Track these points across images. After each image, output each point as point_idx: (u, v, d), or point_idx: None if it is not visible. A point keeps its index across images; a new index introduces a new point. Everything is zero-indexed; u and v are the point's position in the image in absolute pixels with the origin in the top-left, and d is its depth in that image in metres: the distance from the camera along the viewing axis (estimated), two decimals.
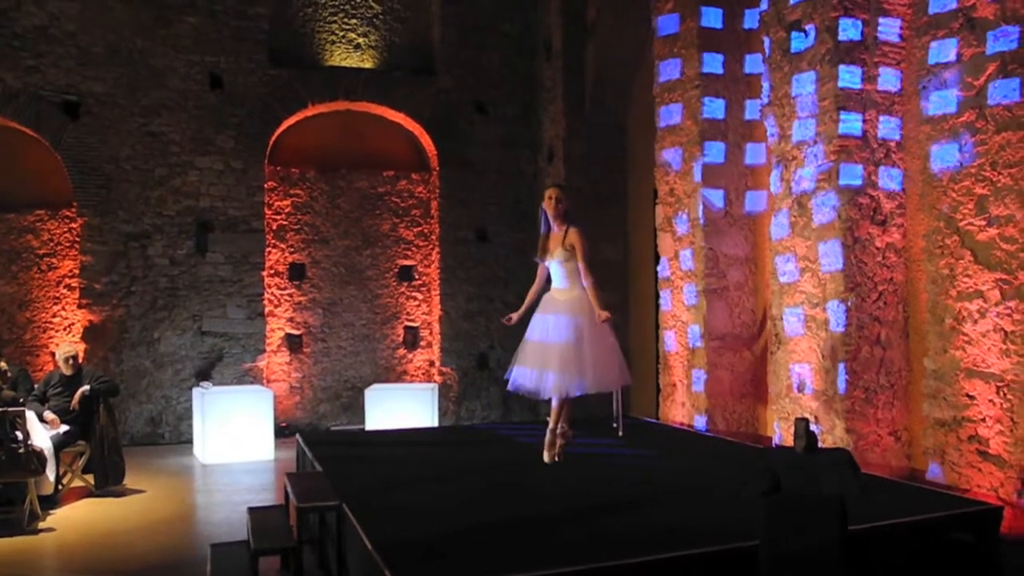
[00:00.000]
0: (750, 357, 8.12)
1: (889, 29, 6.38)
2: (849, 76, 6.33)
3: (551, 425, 6.18)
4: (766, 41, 7.18)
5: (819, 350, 6.48)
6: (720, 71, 8.20)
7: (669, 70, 8.55)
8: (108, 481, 7.52)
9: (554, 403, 6.11)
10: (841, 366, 6.25)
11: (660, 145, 8.66)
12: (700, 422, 8.05)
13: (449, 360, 11.57)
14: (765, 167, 8.06)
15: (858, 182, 6.34)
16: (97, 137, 10.23)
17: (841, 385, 6.25)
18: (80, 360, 8.09)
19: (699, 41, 8.16)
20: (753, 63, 8.18)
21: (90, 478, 7.54)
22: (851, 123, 6.33)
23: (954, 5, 5.51)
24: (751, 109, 8.19)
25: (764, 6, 7.20)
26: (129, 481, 7.79)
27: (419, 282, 11.82)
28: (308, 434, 8.69)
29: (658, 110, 8.70)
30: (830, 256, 6.39)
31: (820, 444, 5.68)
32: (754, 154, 8.20)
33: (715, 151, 8.13)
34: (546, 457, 6.16)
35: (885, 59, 6.41)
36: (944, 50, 5.59)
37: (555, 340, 5.98)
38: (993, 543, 4.66)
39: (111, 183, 10.28)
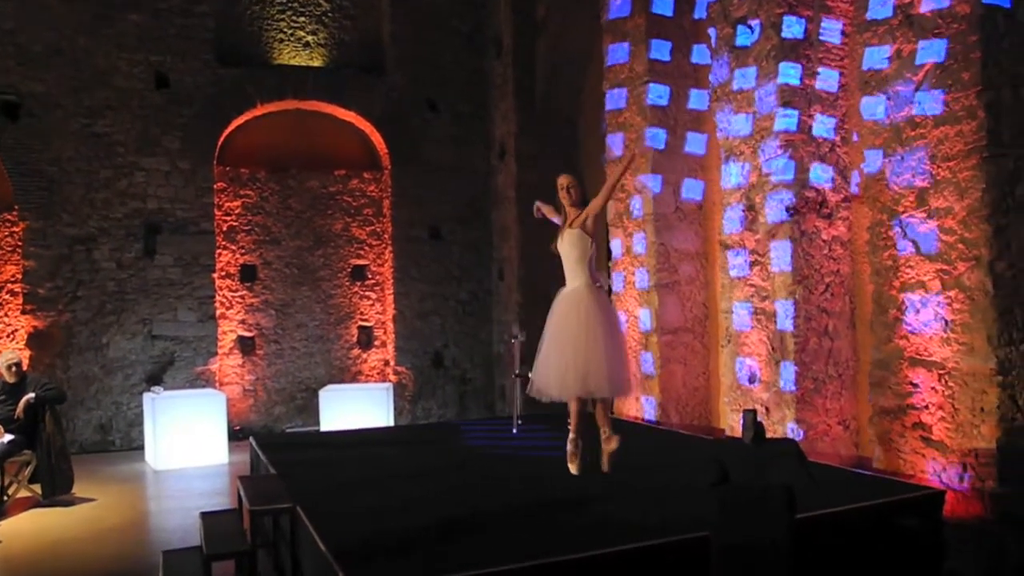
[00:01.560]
0: (701, 350, 8.22)
1: (832, 28, 6.50)
2: (794, 72, 6.43)
3: (571, 434, 5.55)
4: (712, 32, 7.27)
5: (768, 342, 6.58)
6: (667, 58, 8.25)
7: (617, 54, 8.59)
8: (56, 490, 7.38)
9: (571, 407, 5.53)
10: (791, 352, 6.35)
11: (607, 130, 8.71)
12: (651, 412, 8.12)
13: (404, 359, 11.53)
14: (707, 157, 8.17)
15: (804, 176, 6.45)
16: (38, 138, 10.01)
17: (791, 376, 6.36)
18: (24, 367, 7.92)
19: (648, 27, 8.20)
20: (700, 53, 8.24)
21: (37, 488, 7.40)
22: (796, 118, 6.44)
23: (893, 3, 5.62)
24: (697, 99, 8.26)
25: None
26: (78, 490, 7.66)
27: (372, 281, 11.76)
28: (262, 437, 8.63)
29: (605, 93, 8.76)
30: (779, 251, 6.49)
31: (769, 435, 5.77)
32: (699, 144, 8.27)
33: (658, 138, 8.18)
34: (572, 469, 5.54)
35: (829, 55, 6.52)
36: (883, 49, 5.69)
37: (561, 338, 5.45)
38: (936, 526, 4.79)
39: (54, 185, 10.07)
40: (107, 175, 10.29)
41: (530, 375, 5.71)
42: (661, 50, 8.21)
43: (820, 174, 6.48)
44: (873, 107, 5.77)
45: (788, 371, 6.37)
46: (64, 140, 10.13)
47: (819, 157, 6.49)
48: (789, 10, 6.45)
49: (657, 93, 8.17)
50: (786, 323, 6.41)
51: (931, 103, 5.34)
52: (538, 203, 6.01)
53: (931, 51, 5.33)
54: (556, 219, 5.83)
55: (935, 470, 5.26)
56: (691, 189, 8.26)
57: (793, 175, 6.42)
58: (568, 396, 5.51)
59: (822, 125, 6.51)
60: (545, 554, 3.90)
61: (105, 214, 10.27)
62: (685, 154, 8.26)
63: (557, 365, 5.41)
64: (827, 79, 6.51)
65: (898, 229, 5.59)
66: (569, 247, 5.53)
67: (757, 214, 6.73)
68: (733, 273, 7.00)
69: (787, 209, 6.42)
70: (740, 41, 6.85)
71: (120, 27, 10.35)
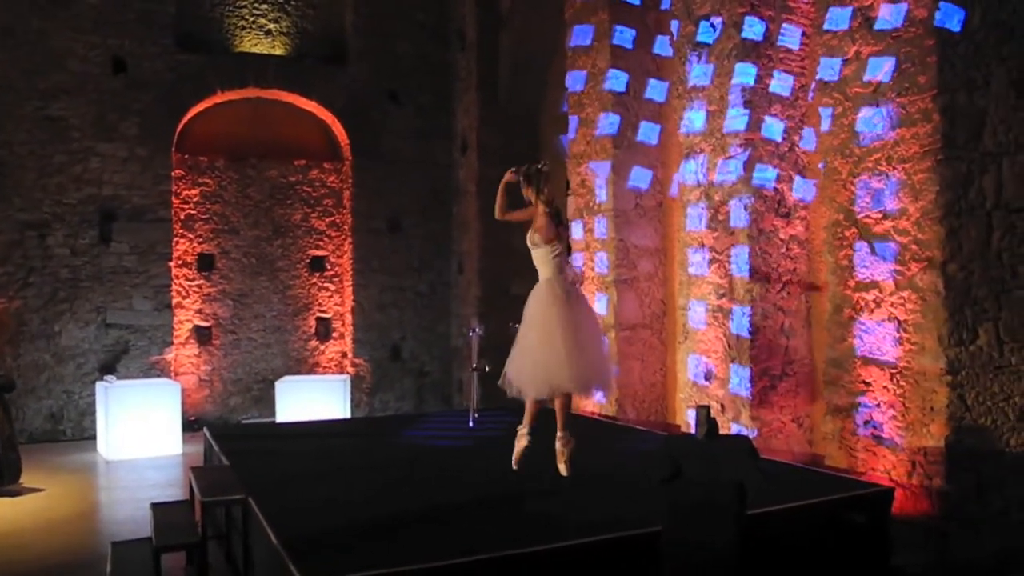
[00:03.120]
0: (659, 347, 8.26)
1: (792, 31, 6.55)
2: (753, 72, 6.48)
3: (522, 428, 5.48)
4: (674, 25, 7.28)
5: (724, 340, 6.63)
6: (630, 46, 8.24)
7: (581, 36, 8.58)
8: (3, 480, 7.25)
9: (527, 403, 5.45)
10: (746, 355, 6.41)
11: (568, 111, 8.72)
12: (607, 408, 8.15)
13: (362, 351, 11.47)
14: (668, 154, 8.18)
15: (763, 175, 6.50)
16: None
17: (746, 374, 6.41)
18: None
19: (611, 14, 8.19)
20: (663, 44, 8.25)
21: None
22: (756, 117, 6.48)
23: (852, 8, 5.68)
24: (656, 90, 8.27)
25: None
26: (26, 479, 7.52)
27: (331, 273, 11.67)
28: (216, 428, 8.53)
29: (567, 75, 8.77)
30: (739, 253, 6.54)
31: (722, 431, 5.83)
32: (658, 138, 8.29)
33: (615, 126, 8.18)
34: (514, 463, 5.49)
35: (789, 55, 6.57)
36: (842, 52, 5.75)
37: (530, 332, 5.34)
38: (884, 522, 4.86)
39: (5, 169, 9.85)
40: (61, 160, 10.09)
41: (505, 370, 5.50)
42: (624, 38, 8.20)
43: (779, 173, 6.54)
44: (830, 109, 5.84)
45: (743, 372, 6.43)
46: (16, 123, 9.90)
47: (778, 156, 6.54)
48: (751, 10, 6.50)
49: (616, 81, 8.16)
50: (743, 324, 6.46)
51: (888, 106, 5.41)
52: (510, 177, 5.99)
53: (888, 55, 5.40)
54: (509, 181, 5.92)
55: (885, 468, 5.35)
56: (651, 185, 8.27)
57: (751, 174, 6.47)
58: (547, 393, 5.37)
59: (781, 125, 6.57)
60: (496, 548, 3.89)
61: (59, 199, 10.07)
62: (645, 150, 8.27)
63: (536, 361, 5.28)
64: (785, 81, 6.57)
65: (854, 229, 5.66)
66: (532, 246, 5.57)
67: (716, 212, 6.77)
68: (692, 270, 7.05)
69: (746, 208, 6.47)
70: (702, 38, 6.88)
71: (76, 9, 10.15)
